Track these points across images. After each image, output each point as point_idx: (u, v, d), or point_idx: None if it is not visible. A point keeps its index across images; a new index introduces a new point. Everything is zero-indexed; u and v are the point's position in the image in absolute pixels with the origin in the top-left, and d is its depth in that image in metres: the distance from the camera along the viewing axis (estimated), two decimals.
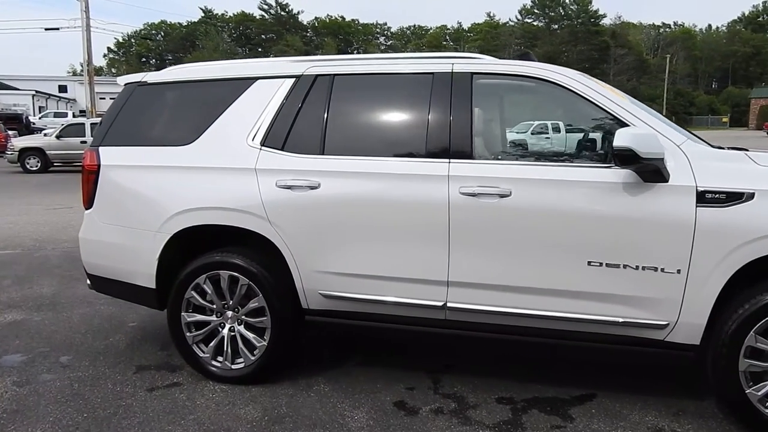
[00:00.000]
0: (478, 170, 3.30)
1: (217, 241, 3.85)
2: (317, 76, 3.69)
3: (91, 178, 3.99)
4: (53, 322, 5.01)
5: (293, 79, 3.72)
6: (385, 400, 3.57)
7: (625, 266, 3.08)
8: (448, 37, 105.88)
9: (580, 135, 3.59)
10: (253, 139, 3.70)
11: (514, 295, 3.28)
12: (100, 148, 4.01)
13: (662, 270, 3.03)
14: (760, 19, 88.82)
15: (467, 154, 3.36)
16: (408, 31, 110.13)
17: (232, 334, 3.77)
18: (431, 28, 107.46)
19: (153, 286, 3.86)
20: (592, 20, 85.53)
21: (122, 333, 4.74)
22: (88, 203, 4.03)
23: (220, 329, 3.80)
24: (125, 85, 4.12)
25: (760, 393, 3.00)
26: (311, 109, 3.66)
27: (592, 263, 3.13)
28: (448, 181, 3.30)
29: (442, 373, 3.92)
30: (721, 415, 3.30)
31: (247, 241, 3.76)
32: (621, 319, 3.13)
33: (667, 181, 3.00)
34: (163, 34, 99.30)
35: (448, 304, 3.37)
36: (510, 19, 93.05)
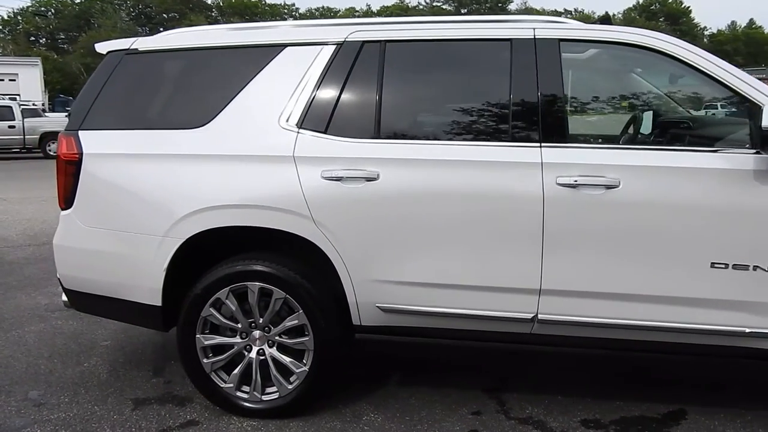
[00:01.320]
0: (579, 156, 2.77)
1: (239, 246, 3.13)
2: (364, 42, 3.02)
3: (69, 170, 3.16)
4: (3, 344, 4.10)
5: (333, 47, 3.04)
6: (453, 430, 3.01)
7: (755, 268, 2.65)
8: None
9: (697, 113, 3.12)
10: (287, 120, 2.99)
11: (618, 304, 2.78)
12: (81, 133, 3.17)
13: None
14: (653, 7, 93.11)
15: (562, 137, 2.82)
16: (317, 12, 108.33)
17: (262, 358, 3.08)
18: (340, 10, 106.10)
19: (158, 303, 3.10)
20: (500, 5, 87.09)
21: (97, 356, 3.91)
22: (66, 202, 3.20)
23: (246, 353, 3.10)
24: (108, 53, 3.29)
25: None
26: (360, 84, 3.00)
27: (716, 265, 2.68)
28: (541, 170, 2.75)
29: (500, 391, 3.39)
30: None
31: (281, 246, 3.07)
32: (747, 330, 2.70)
33: None
34: (54, 11, 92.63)
35: (539, 317, 2.84)
36: (420, 2, 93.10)
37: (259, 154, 2.97)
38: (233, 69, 3.14)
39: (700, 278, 2.70)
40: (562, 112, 2.84)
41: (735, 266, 2.66)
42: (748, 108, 2.68)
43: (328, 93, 2.99)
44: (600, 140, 3.20)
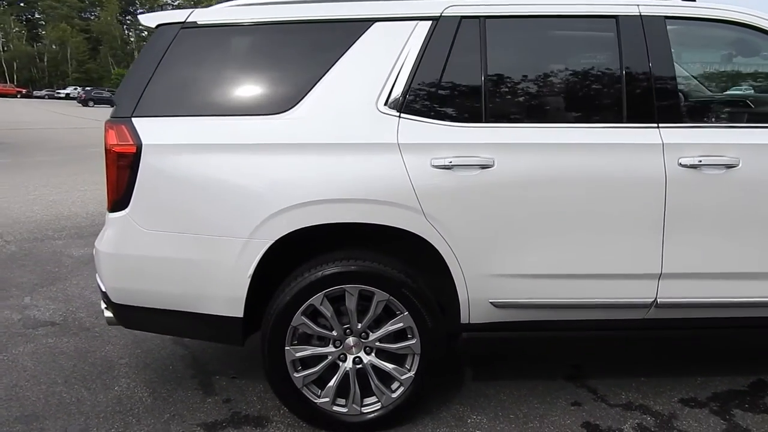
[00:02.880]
0: (698, 136, 2.72)
1: (327, 245, 2.82)
2: (462, 17, 2.78)
3: (123, 164, 2.69)
4: None
5: (429, 23, 2.77)
6: (565, 423, 2.90)
7: None
8: None
9: None
10: (385, 104, 2.71)
11: (735, 283, 2.78)
12: (135, 120, 2.70)
13: None
14: None
15: (678, 117, 2.75)
16: None
17: (359, 366, 2.81)
18: None
19: (240, 314, 2.73)
20: None
21: (124, 376, 3.41)
22: (118, 203, 2.72)
23: (341, 362, 2.81)
24: (158, 27, 2.82)
25: None
26: (463, 64, 2.76)
27: None
28: (663, 151, 2.68)
29: (582, 378, 3.33)
30: None
31: (379, 243, 2.80)
32: None
33: None
34: None
35: (659, 301, 2.78)
36: None
37: (358, 142, 2.67)
38: (316, 47, 2.79)
39: None
40: (677, 90, 2.77)
41: None
42: None
43: (430, 74, 2.73)
44: (714, 119, 3.18)
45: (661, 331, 2.97)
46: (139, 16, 2.90)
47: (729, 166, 2.68)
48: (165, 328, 3.02)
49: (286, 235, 2.65)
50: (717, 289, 2.78)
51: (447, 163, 2.64)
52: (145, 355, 3.67)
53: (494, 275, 2.74)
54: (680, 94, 2.80)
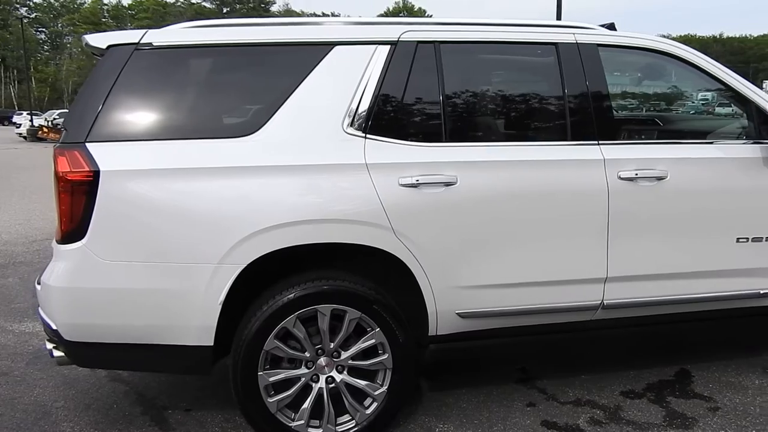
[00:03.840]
0: (633, 152, 3.01)
1: (293, 267, 2.81)
2: (418, 42, 2.91)
3: (79, 192, 2.54)
4: None
5: (388, 47, 2.87)
6: (526, 424, 3.07)
7: (766, 239, 3.14)
8: (107, 14, 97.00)
9: (701, 110, 3.54)
10: (350, 125, 2.77)
11: (667, 283, 3.09)
12: (90, 145, 2.57)
13: None
14: (401, 14, 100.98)
15: (615, 135, 3.04)
16: (57, 3, 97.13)
17: (332, 386, 2.81)
18: (86, 2, 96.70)
19: (210, 342, 2.66)
20: (263, 5, 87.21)
21: (67, 421, 3.14)
22: (73, 233, 2.57)
23: (313, 383, 2.81)
24: (109, 48, 2.70)
25: None
26: (422, 86, 2.88)
27: (740, 240, 3.12)
28: (604, 166, 2.94)
29: (532, 380, 3.53)
30: None
31: (347, 262, 2.83)
32: (762, 291, 3.20)
33: None
34: None
35: (605, 302, 3.03)
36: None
37: (327, 164, 2.70)
38: (278, 69, 2.81)
39: (730, 252, 3.11)
40: (611, 111, 3.06)
41: (753, 239, 3.13)
42: (756, 107, 3.16)
43: (392, 96, 2.83)
44: (642, 136, 3.49)
45: (595, 331, 3.23)
46: (87, 37, 2.76)
47: (659, 178, 2.99)
48: (125, 364, 2.87)
49: (259, 258, 2.62)
50: (656, 289, 3.08)
51: (414, 182, 2.74)
52: (83, 395, 3.43)
53: (460, 287, 2.86)
54: (615, 114, 3.10)
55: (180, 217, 2.59)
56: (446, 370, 3.66)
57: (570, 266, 2.96)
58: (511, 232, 2.87)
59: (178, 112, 2.71)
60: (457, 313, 2.89)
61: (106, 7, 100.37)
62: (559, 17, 18.25)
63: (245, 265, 2.61)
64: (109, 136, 2.60)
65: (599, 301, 3.03)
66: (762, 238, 3.14)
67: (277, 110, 2.72)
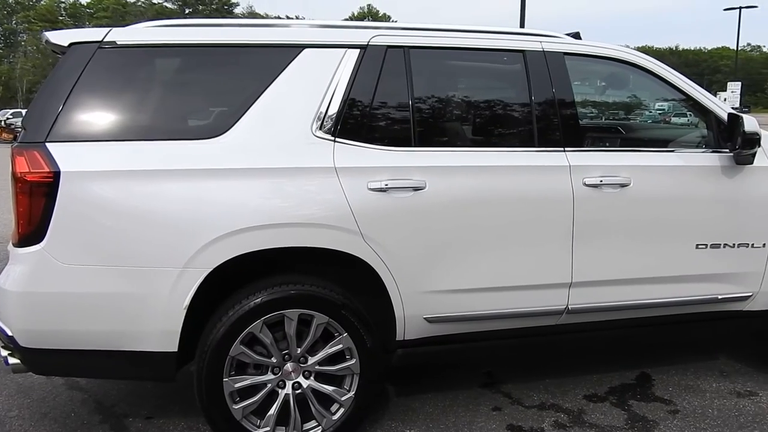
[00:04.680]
0: (598, 159, 3.06)
1: (261, 271, 2.77)
2: (388, 47, 2.91)
3: (38, 194, 2.46)
4: None
5: (357, 50, 2.86)
6: (492, 428, 3.08)
7: (724, 245, 3.23)
8: (64, 12, 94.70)
9: (667, 120, 3.61)
10: (320, 128, 2.75)
11: (630, 288, 3.15)
12: (50, 145, 2.49)
13: (752, 245, 3.27)
14: (366, 20, 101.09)
15: (581, 142, 3.09)
16: (12, 1, 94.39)
17: (298, 392, 2.78)
18: (43, 0, 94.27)
19: (174, 348, 2.60)
20: (226, 7, 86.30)
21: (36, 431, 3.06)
22: (31, 236, 2.48)
23: (280, 389, 2.77)
24: (71, 46, 2.62)
25: None
26: (391, 91, 2.88)
27: (699, 246, 3.19)
28: (570, 172, 2.98)
29: (497, 384, 3.55)
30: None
31: (315, 266, 2.81)
32: (720, 296, 3.28)
33: (752, 163, 3.23)
34: None
35: (570, 306, 3.07)
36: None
37: (295, 167, 2.68)
38: (246, 71, 2.77)
39: (690, 258, 3.18)
40: (577, 118, 3.10)
41: (712, 246, 3.21)
42: (715, 117, 3.25)
43: (361, 100, 2.82)
44: (607, 144, 3.55)
45: (560, 335, 3.27)
46: (48, 34, 2.68)
47: (623, 185, 3.04)
48: (84, 371, 2.79)
49: (225, 262, 2.58)
50: (619, 294, 3.13)
51: (383, 186, 2.73)
52: (38, 404, 3.32)
53: (428, 292, 2.86)
54: (580, 121, 3.14)
55: (144, 220, 2.53)
56: (413, 375, 3.65)
57: (536, 271, 2.99)
58: (478, 237, 2.89)
59: (142, 112, 2.65)
60: (424, 318, 2.89)
61: (63, 5, 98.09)
62: (522, 25, 18.53)
63: (211, 269, 2.57)
64: (70, 136, 2.53)
65: (564, 306, 3.07)
66: (720, 244, 3.22)
67: (244, 112, 2.68)
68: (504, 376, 3.66)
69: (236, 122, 2.66)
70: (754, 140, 3.08)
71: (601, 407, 3.28)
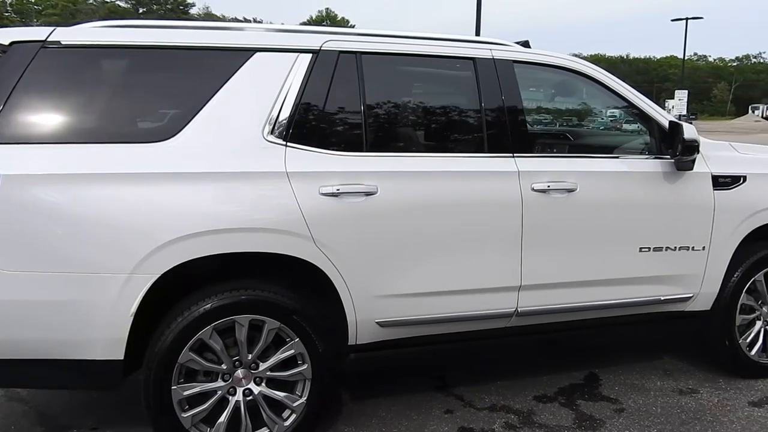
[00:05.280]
0: (546, 164, 3.13)
1: (211, 277, 2.74)
2: (340, 52, 2.91)
3: None
4: None
5: (309, 55, 2.86)
6: (444, 430, 3.11)
7: (666, 248, 3.34)
8: (9, 8, 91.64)
9: (610, 126, 3.70)
10: (271, 133, 2.73)
11: (577, 290, 3.22)
12: None
13: (692, 248, 3.39)
14: (324, 23, 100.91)
15: (529, 148, 3.15)
16: None
17: (249, 398, 2.75)
18: None
19: (120, 356, 2.55)
20: (181, 7, 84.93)
21: None
22: None
23: (230, 396, 2.74)
24: (12, 44, 2.54)
25: (748, 340, 3.63)
26: (343, 96, 2.89)
27: (643, 249, 3.29)
28: (518, 178, 3.04)
29: (449, 387, 3.58)
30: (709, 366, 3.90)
31: (265, 271, 2.79)
32: (663, 297, 3.39)
33: (692, 170, 3.34)
34: None
35: (519, 309, 3.13)
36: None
37: (246, 171, 2.66)
38: (196, 74, 2.74)
39: (634, 261, 3.28)
40: (526, 125, 3.17)
41: (655, 249, 3.32)
42: (657, 124, 3.36)
43: (313, 104, 2.82)
44: (554, 150, 3.62)
45: (510, 337, 3.32)
46: None
47: (570, 191, 3.12)
48: (25, 381, 2.70)
49: (173, 268, 2.54)
50: (566, 296, 3.21)
51: (334, 191, 2.74)
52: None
53: (380, 296, 2.88)
54: (529, 127, 3.21)
55: (89, 226, 2.47)
56: (366, 380, 3.66)
57: (486, 275, 3.04)
58: (429, 241, 2.92)
59: (87, 114, 2.59)
60: (376, 322, 2.90)
61: (9, 1, 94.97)
62: (478, 32, 18.80)
63: (159, 276, 2.52)
64: (10, 138, 2.45)
65: (514, 309, 3.12)
66: (662, 247, 3.33)
67: (194, 116, 2.65)
68: (456, 379, 3.70)
69: (185, 126, 2.63)
70: (693, 147, 3.20)
71: (551, 407, 3.35)
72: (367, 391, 3.53)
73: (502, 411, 3.31)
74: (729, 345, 3.59)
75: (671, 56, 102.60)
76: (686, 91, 42.87)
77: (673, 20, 46.43)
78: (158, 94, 2.74)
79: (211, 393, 2.70)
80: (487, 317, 3.10)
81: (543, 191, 3.06)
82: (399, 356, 3.15)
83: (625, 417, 3.25)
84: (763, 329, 3.67)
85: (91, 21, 2.86)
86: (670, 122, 3.30)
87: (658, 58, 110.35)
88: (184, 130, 2.62)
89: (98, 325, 2.50)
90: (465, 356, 3.90)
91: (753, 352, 3.64)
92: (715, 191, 3.39)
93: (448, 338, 3.12)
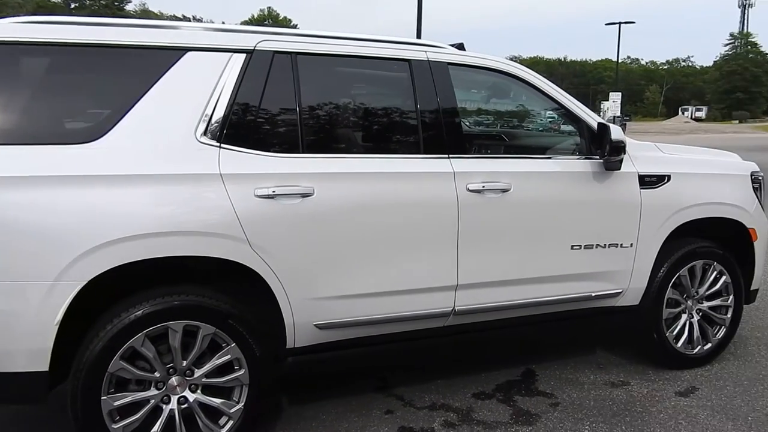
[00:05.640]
0: (480, 165, 3.18)
1: (142, 282, 2.66)
2: (275, 52, 2.88)
3: None
4: None
5: (243, 55, 2.82)
6: (384, 430, 3.12)
7: (597, 246, 3.45)
8: None
9: (547, 128, 3.79)
10: (204, 134, 2.68)
11: (513, 288, 3.29)
12: None
13: (621, 245, 3.51)
14: (266, 23, 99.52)
15: (463, 149, 3.19)
16: None
17: (184, 406, 2.69)
18: None
19: (44, 367, 2.45)
20: (116, 3, 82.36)
21: None
22: None
23: (164, 405, 2.67)
24: None
25: (675, 332, 3.79)
26: (278, 96, 2.86)
27: (574, 247, 3.39)
28: (454, 179, 3.08)
29: (390, 388, 3.59)
30: (640, 358, 4.03)
31: (200, 275, 2.74)
32: (594, 293, 3.50)
33: (620, 169, 3.46)
34: None
35: (456, 308, 3.16)
36: None
37: (178, 173, 2.60)
38: (125, 73, 2.65)
39: (566, 259, 3.37)
40: (461, 126, 3.21)
41: (586, 246, 3.42)
42: (587, 126, 3.46)
43: (247, 105, 2.78)
44: (489, 151, 3.67)
45: (449, 336, 3.36)
46: None
47: (504, 191, 3.18)
48: None
49: (101, 274, 2.46)
50: (502, 294, 3.27)
51: (270, 193, 2.71)
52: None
53: (318, 298, 2.86)
54: (464, 129, 3.25)
55: (10, 231, 2.36)
56: (306, 383, 3.63)
57: (423, 275, 3.07)
58: (366, 242, 2.92)
59: (8, 114, 2.47)
60: (315, 325, 2.89)
61: None
62: (419, 34, 18.98)
63: (86, 282, 2.43)
64: None
65: (451, 308, 3.16)
66: (593, 245, 3.44)
67: (123, 116, 2.57)
68: (397, 379, 3.71)
69: (113, 126, 2.55)
70: (620, 148, 3.31)
71: (489, 404, 3.41)
72: (308, 394, 3.51)
73: (442, 409, 3.35)
74: (657, 338, 3.73)
75: (606, 59, 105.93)
76: (620, 93, 44.44)
77: (606, 24, 48.11)
78: (84, 93, 2.64)
79: (144, 402, 2.62)
80: (425, 317, 3.13)
81: (478, 191, 3.11)
82: (341, 358, 3.14)
83: (560, 411, 3.33)
84: (688, 322, 3.84)
85: (17, 16, 2.73)
86: (599, 124, 3.41)
87: (594, 60, 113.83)
88: (111, 131, 2.54)
89: (21, 335, 2.39)
90: (406, 356, 3.91)
91: (679, 344, 3.80)
92: (642, 190, 3.53)
93: (387, 339, 3.13)
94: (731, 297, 3.91)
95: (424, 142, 3.10)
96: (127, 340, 2.53)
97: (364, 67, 3.15)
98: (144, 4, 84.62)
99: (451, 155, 3.11)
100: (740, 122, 72.52)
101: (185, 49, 2.74)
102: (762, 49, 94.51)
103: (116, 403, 2.56)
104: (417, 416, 3.27)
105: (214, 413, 2.75)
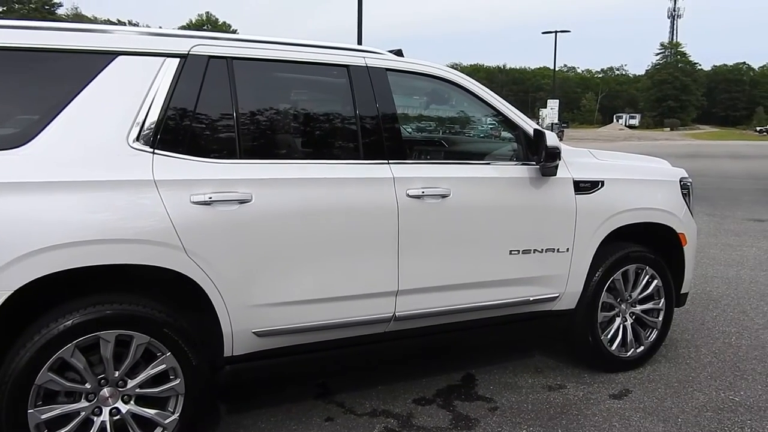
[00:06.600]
0: (420, 171, 3.21)
1: (72, 290, 2.58)
2: (210, 57, 2.85)
3: None
4: None
5: (177, 60, 2.77)
6: None
7: (534, 251, 3.53)
8: None
9: (488, 134, 3.84)
10: (137, 139, 2.63)
11: (452, 293, 3.33)
12: None
13: (557, 250, 3.60)
14: (205, 27, 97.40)
15: (403, 155, 3.22)
16: None
17: (117, 418, 2.62)
18: None
19: None
20: (47, 7, 79.93)
21: None
22: None
23: (95, 417, 2.59)
24: None
25: (609, 336, 3.90)
26: (214, 101, 2.83)
27: (512, 252, 3.46)
28: (394, 184, 3.10)
29: (330, 395, 3.59)
30: (575, 363, 4.13)
31: (133, 284, 2.67)
32: (532, 298, 3.57)
33: (555, 175, 3.56)
34: None
35: (397, 314, 3.18)
36: None
37: (109, 179, 2.53)
38: (52, 77, 2.57)
39: (505, 264, 3.44)
40: (400, 132, 3.24)
41: (523, 251, 3.49)
42: (523, 132, 3.55)
43: (182, 110, 2.73)
44: (428, 156, 3.69)
45: (390, 342, 3.38)
46: None
47: (443, 196, 3.22)
48: None
49: (29, 283, 2.37)
50: (442, 300, 3.30)
51: (206, 199, 2.67)
52: None
53: (256, 306, 2.84)
54: (403, 135, 3.28)
55: None
56: (246, 392, 3.58)
57: (363, 281, 3.07)
58: (305, 249, 2.91)
59: None
60: (253, 332, 2.86)
61: None
62: (360, 40, 19.06)
63: (11, 292, 2.35)
64: None
65: (392, 314, 3.18)
66: (530, 250, 3.52)
67: (50, 121, 2.49)
68: (338, 385, 3.70)
69: (40, 132, 2.47)
70: (555, 154, 3.41)
71: (429, 410, 3.43)
72: (246, 402, 3.46)
73: (382, 416, 3.35)
74: (592, 341, 3.84)
75: (544, 67, 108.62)
76: (557, 101, 45.91)
77: (543, 33, 49.78)
78: (10, 98, 2.55)
79: (74, 414, 2.54)
80: (365, 323, 3.14)
81: (417, 197, 3.14)
82: (281, 365, 3.11)
83: (499, 415, 3.38)
84: (622, 325, 3.96)
85: None
86: (535, 130, 3.50)
87: (533, 68, 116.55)
88: (38, 136, 2.46)
89: None
90: (346, 363, 3.92)
91: (613, 347, 3.92)
92: (577, 195, 3.63)
93: (327, 345, 3.12)
94: (663, 300, 4.06)
95: (364, 148, 3.11)
96: (56, 350, 2.44)
97: (303, 73, 3.15)
98: (77, 9, 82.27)
99: (390, 161, 3.14)
100: (671, 130, 75.59)
101: (116, 53, 2.68)
102: (691, 58, 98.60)
103: (44, 416, 2.47)
104: (357, 423, 3.26)
105: (148, 424, 2.68)
